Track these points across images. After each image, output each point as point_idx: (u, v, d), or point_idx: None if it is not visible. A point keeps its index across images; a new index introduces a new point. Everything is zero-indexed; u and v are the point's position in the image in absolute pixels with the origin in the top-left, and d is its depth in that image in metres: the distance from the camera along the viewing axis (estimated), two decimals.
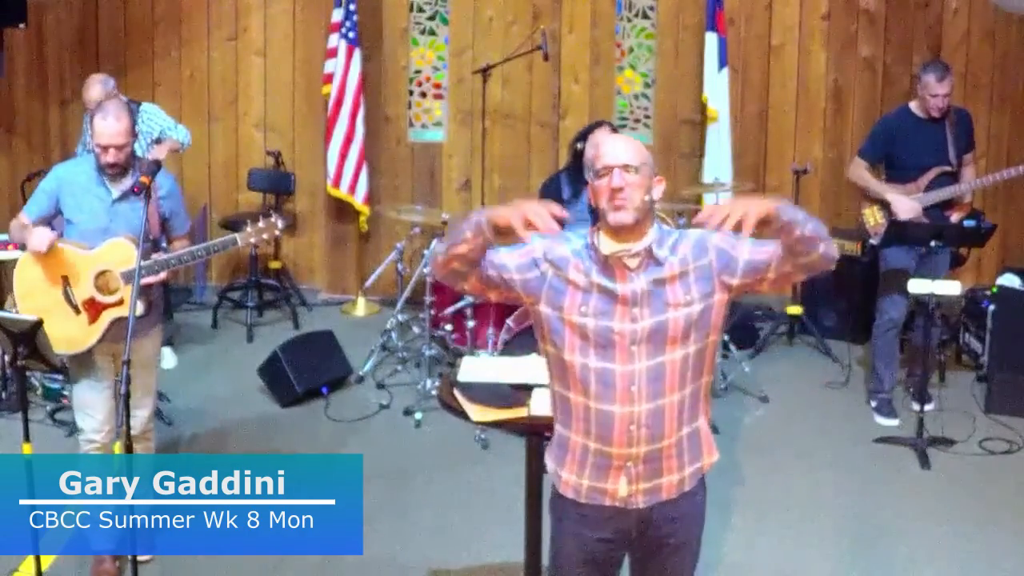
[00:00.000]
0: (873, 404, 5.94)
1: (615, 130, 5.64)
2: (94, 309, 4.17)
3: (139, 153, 6.11)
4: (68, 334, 4.16)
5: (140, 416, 4.37)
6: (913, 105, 5.77)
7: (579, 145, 5.61)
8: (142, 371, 4.33)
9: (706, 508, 3.00)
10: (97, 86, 6.01)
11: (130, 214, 4.15)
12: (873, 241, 5.77)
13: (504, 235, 2.70)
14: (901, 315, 5.83)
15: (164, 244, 4.40)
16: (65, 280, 4.16)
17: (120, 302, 4.13)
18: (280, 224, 4.13)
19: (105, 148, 4.12)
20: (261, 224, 4.16)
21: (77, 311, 4.17)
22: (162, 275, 4.13)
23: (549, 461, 2.94)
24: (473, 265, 2.77)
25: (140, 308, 4.11)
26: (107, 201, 4.19)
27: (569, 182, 5.55)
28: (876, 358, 5.93)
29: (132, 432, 4.29)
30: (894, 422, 5.81)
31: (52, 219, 4.26)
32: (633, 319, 2.73)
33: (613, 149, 2.79)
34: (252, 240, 4.19)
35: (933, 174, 5.66)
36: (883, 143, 5.80)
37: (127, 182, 4.18)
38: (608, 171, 2.75)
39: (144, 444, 4.42)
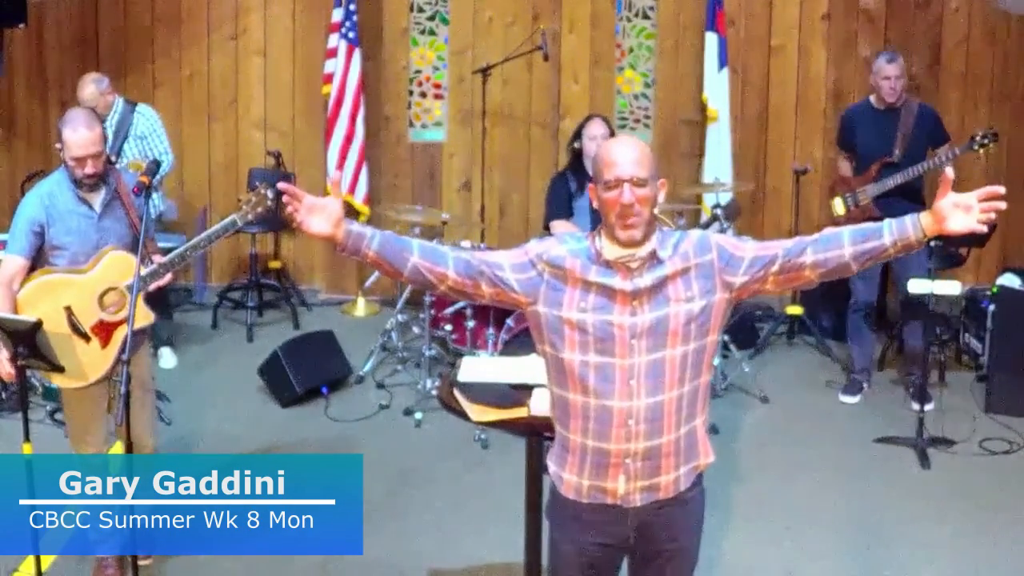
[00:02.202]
0: (843, 381, 6.15)
1: (608, 122, 5.69)
2: (105, 331, 4.03)
3: (131, 154, 6.14)
4: (84, 364, 4.03)
5: (147, 435, 4.27)
6: (873, 97, 5.90)
7: (576, 144, 5.70)
8: (146, 385, 4.29)
9: (704, 514, 2.99)
10: (91, 85, 6.01)
11: (117, 226, 4.07)
12: None
13: (339, 238, 2.76)
14: (868, 297, 6.03)
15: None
16: (69, 311, 4.00)
17: (126, 319, 3.92)
18: (270, 193, 3.94)
19: (82, 160, 3.96)
20: (253, 198, 3.99)
21: (87, 339, 4.02)
22: (168, 276, 4.02)
23: (551, 464, 2.93)
24: (397, 258, 2.78)
25: (151, 315, 4.08)
26: (93, 218, 4.06)
27: (574, 177, 5.67)
28: (848, 339, 6.21)
29: (145, 450, 4.27)
30: (853, 399, 6.04)
31: (41, 248, 4.07)
32: (633, 312, 2.72)
33: (622, 158, 2.71)
34: (250, 216, 3.99)
35: (876, 166, 5.78)
36: (846, 132, 6.08)
37: (103, 193, 4.07)
38: (618, 184, 2.70)
39: None
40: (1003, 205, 2.64)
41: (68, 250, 4.05)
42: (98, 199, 4.07)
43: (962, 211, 2.65)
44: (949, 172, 2.69)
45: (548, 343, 2.80)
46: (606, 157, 2.74)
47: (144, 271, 3.96)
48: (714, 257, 2.77)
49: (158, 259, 4.04)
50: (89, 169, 3.98)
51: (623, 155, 2.72)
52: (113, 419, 3.95)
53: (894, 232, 2.71)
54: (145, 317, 4.04)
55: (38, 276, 4.04)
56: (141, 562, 4.27)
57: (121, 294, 4.01)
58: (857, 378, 6.10)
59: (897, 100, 5.78)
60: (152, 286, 4.01)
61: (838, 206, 5.95)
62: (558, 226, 5.65)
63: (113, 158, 5.87)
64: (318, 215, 2.77)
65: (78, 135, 3.95)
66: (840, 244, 2.74)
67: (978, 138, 5.70)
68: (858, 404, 6.05)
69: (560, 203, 5.67)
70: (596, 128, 5.64)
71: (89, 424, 4.22)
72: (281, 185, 2.80)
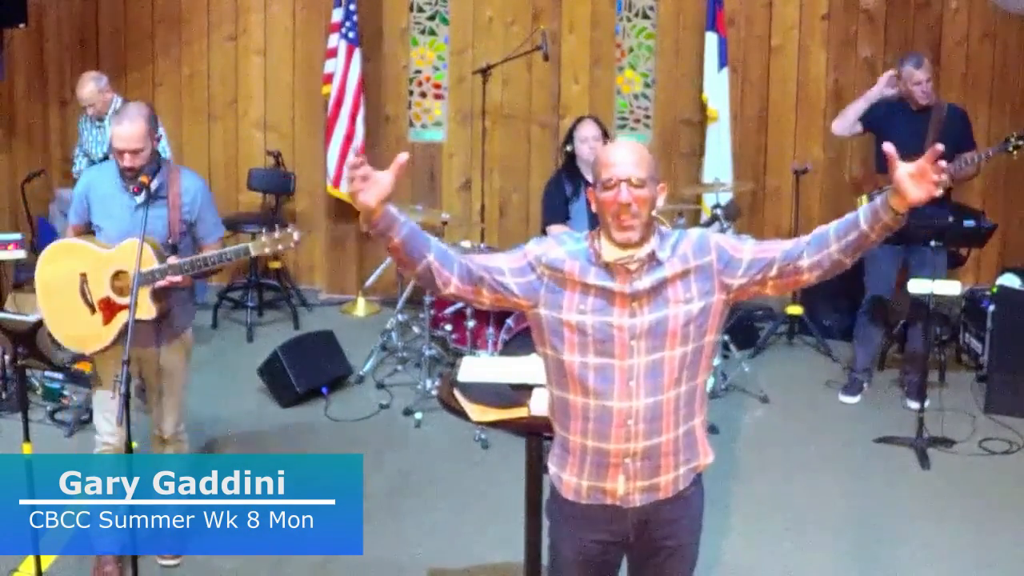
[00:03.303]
0: (843, 381, 6.16)
1: (599, 123, 5.63)
2: (109, 310, 4.10)
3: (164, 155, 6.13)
4: (82, 332, 4.13)
5: (169, 422, 4.37)
6: (908, 86, 5.86)
7: (568, 148, 5.66)
8: (167, 379, 4.33)
9: (704, 511, 3.00)
10: (90, 83, 6.01)
11: (153, 219, 4.06)
12: None
13: (376, 216, 2.69)
14: (882, 291, 5.96)
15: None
16: (83, 277, 4.11)
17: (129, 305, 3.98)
18: (296, 236, 3.99)
19: (120, 152, 4.07)
20: (277, 234, 4.00)
21: (93, 310, 4.11)
22: (175, 278, 4.02)
23: (551, 466, 2.94)
24: (415, 253, 2.74)
25: (153, 311, 4.08)
26: (130, 207, 4.12)
27: (569, 180, 5.63)
28: (854, 337, 6.20)
29: (163, 435, 4.37)
30: (853, 399, 6.05)
31: (90, 223, 4.23)
32: (632, 314, 2.73)
33: (620, 159, 2.72)
34: (267, 250, 4.04)
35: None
36: (872, 114, 5.96)
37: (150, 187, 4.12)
38: (615, 184, 2.70)
39: (176, 446, 4.44)
40: (944, 163, 2.62)
41: (105, 232, 4.16)
42: (142, 191, 4.11)
43: (916, 179, 2.63)
44: (888, 147, 2.65)
45: (549, 345, 2.81)
46: (604, 158, 2.75)
47: (153, 267, 3.98)
48: (713, 259, 2.77)
49: (172, 260, 4.04)
50: (127, 162, 4.07)
51: (621, 156, 2.73)
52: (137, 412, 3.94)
53: (868, 217, 2.71)
54: (147, 311, 4.03)
55: (71, 237, 4.24)
56: (166, 561, 4.31)
57: (130, 279, 4.01)
58: (858, 378, 6.11)
59: (930, 100, 5.80)
60: (158, 284, 4.01)
61: (864, 203, 5.90)
62: (556, 231, 5.64)
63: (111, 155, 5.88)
64: (372, 187, 2.70)
65: (119, 128, 4.08)
66: (828, 242, 2.74)
67: (1013, 139, 5.72)
68: (858, 404, 6.05)
69: (556, 207, 5.64)
70: (587, 130, 5.57)
71: (110, 403, 4.19)
72: (353, 160, 2.73)
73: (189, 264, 4.06)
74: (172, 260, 4.05)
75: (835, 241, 2.73)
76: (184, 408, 4.48)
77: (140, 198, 4.07)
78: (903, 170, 2.64)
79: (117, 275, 4.09)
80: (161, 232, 4.09)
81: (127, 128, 4.04)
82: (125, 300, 4.02)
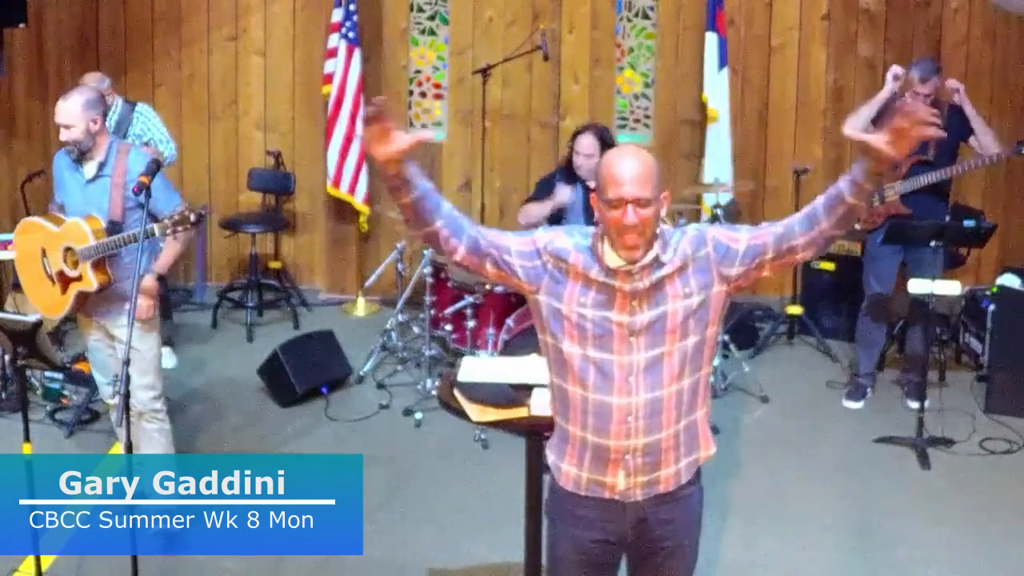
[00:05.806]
0: (845, 383, 6.14)
1: (602, 136, 5.55)
2: (63, 282, 4.37)
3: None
4: (48, 300, 4.46)
5: (137, 392, 4.38)
6: (908, 95, 5.85)
7: (571, 145, 5.65)
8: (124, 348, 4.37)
9: (703, 510, 3.00)
10: (95, 85, 6.00)
11: (99, 196, 4.30)
12: (856, 225, 5.89)
13: (390, 171, 2.70)
14: (883, 290, 5.93)
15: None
16: (43, 252, 4.40)
17: (80, 278, 4.30)
18: (192, 217, 4.06)
19: (59, 127, 4.29)
20: (177, 217, 4.07)
21: (53, 281, 4.40)
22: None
23: (550, 454, 2.95)
24: (424, 216, 2.77)
25: (94, 283, 4.29)
26: (81, 183, 4.35)
27: (565, 180, 5.63)
28: (856, 340, 6.15)
29: (136, 408, 4.41)
30: (857, 405, 6.00)
31: None
32: (632, 311, 2.73)
33: (627, 178, 2.66)
34: (168, 231, 4.09)
35: (909, 163, 5.76)
36: (884, 112, 5.80)
37: (93, 165, 4.32)
38: (621, 204, 2.66)
39: (156, 424, 4.51)
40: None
41: (68, 208, 4.41)
42: (91, 168, 4.34)
43: (897, 138, 2.59)
44: (849, 132, 2.62)
45: (549, 332, 2.82)
46: (610, 173, 2.69)
47: (87, 245, 4.22)
48: (710, 251, 2.78)
49: (100, 240, 4.22)
50: (62, 136, 4.29)
51: (628, 173, 2.67)
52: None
53: (851, 191, 2.69)
54: (88, 284, 4.28)
55: (37, 216, 4.60)
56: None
57: (75, 255, 4.29)
58: (861, 382, 6.06)
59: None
60: (93, 259, 4.25)
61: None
62: (530, 209, 5.65)
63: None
64: (382, 144, 2.67)
65: (59, 104, 4.29)
66: (819, 220, 2.74)
67: None
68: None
69: (540, 197, 5.68)
70: (584, 145, 5.48)
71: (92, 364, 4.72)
72: (372, 111, 2.70)
73: (106, 245, 4.22)
74: (96, 242, 4.22)
75: (826, 218, 2.73)
76: (155, 381, 4.52)
77: (89, 174, 4.31)
78: (878, 141, 2.61)
79: (68, 250, 4.32)
80: (106, 209, 4.29)
81: (60, 104, 4.27)
82: (73, 273, 4.32)
